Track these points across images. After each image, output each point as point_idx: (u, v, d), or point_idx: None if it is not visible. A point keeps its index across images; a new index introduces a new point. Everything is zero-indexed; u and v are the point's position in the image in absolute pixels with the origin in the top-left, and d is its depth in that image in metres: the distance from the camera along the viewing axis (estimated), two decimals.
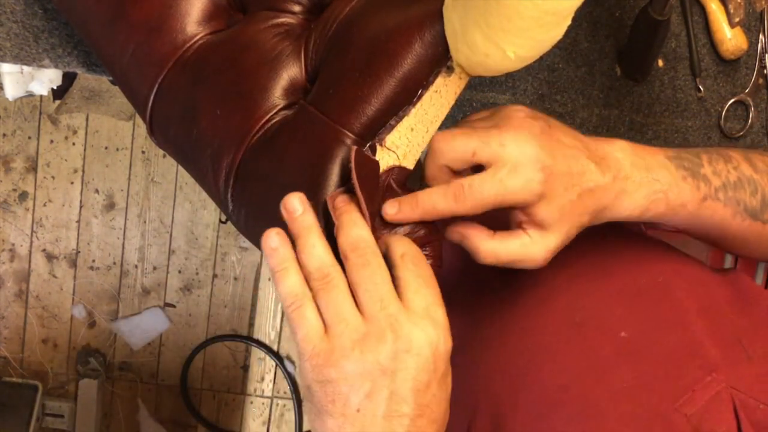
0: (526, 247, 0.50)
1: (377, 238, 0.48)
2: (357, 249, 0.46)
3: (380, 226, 0.51)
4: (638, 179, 0.52)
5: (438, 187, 0.50)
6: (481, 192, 0.48)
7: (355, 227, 0.47)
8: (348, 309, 0.45)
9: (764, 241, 0.58)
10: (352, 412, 0.43)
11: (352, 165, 0.48)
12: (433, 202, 0.50)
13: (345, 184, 0.51)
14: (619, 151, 0.52)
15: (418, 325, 0.44)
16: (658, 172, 0.53)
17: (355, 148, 0.49)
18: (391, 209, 0.51)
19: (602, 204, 0.51)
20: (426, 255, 0.53)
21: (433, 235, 0.52)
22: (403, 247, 0.48)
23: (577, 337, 0.54)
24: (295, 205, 0.48)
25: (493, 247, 0.50)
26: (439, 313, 0.46)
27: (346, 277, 0.46)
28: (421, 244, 0.52)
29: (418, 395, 0.44)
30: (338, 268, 0.46)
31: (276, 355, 1.99)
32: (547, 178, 0.48)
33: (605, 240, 0.62)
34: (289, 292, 0.46)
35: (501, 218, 0.52)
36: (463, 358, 0.56)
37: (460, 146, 0.49)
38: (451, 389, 0.47)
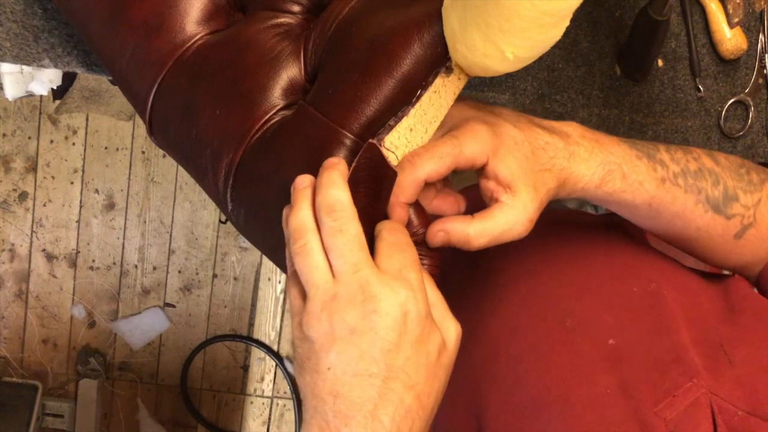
0: (507, 214, 0.51)
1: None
2: (333, 212, 0.46)
3: (368, 233, 0.50)
4: (589, 147, 0.54)
5: (399, 167, 0.52)
6: (438, 149, 0.50)
7: (333, 187, 0.46)
8: (319, 274, 0.45)
9: (729, 240, 0.59)
10: (324, 370, 0.44)
11: (359, 155, 0.49)
12: (399, 182, 0.50)
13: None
14: (568, 126, 0.55)
15: (388, 286, 0.44)
16: (610, 147, 0.54)
17: (371, 141, 0.50)
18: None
19: (558, 163, 0.53)
20: (424, 254, 0.53)
21: None
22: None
23: (567, 342, 0.55)
24: (300, 181, 0.49)
25: (479, 227, 0.51)
26: (413, 275, 0.46)
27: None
28: (419, 242, 0.52)
29: (389, 356, 0.44)
30: (316, 234, 0.46)
31: (276, 355, 1.99)
32: (493, 130, 0.51)
33: (601, 247, 0.63)
34: (287, 258, 0.48)
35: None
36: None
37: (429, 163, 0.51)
38: (440, 361, 0.46)
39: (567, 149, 0.53)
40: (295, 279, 0.47)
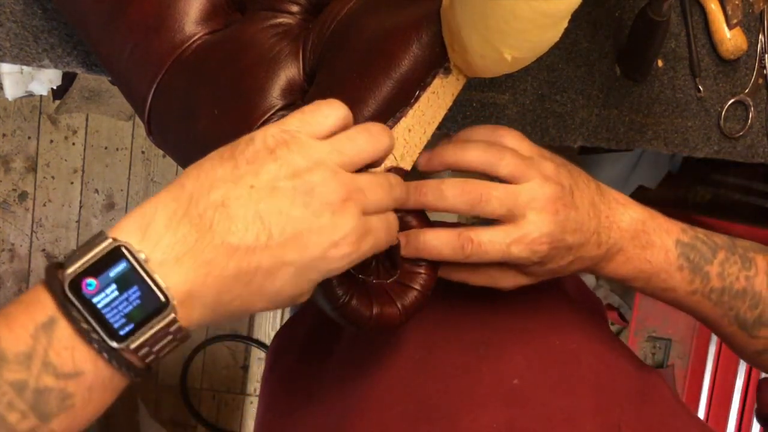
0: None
1: None
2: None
3: None
4: (630, 255, 0.54)
5: (447, 232, 0.51)
6: (487, 253, 0.50)
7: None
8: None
9: (749, 353, 0.59)
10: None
11: None
12: (439, 245, 0.51)
13: None
14: (629, 220, 0.55)
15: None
16: (655, 253, 0.54)
17: None
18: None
19: (586, 268, 0.55)
20: (420, 265, 0.53)
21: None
22: None
23: (473, 369, 0.56)
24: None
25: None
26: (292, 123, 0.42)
27: None
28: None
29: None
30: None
31: None
32: (550, 251, 0.51)
33: (539, 296, 0.64)
34: None
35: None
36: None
37: (488, 191, 0.51)
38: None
39: (605, 256, 0.54)
40: None
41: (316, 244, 0.39)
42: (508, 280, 0.54)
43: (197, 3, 0.58)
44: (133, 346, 0.37)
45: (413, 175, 0.54)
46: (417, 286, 0.53)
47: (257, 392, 2.02)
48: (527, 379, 0.55)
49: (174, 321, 0.37)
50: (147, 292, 0.36)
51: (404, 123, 0.52)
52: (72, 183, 1.93)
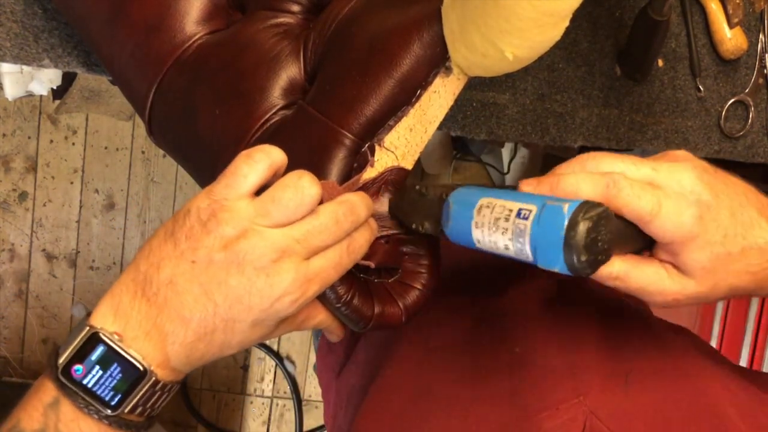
0: (660, 280, 0.43)
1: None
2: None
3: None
4: None
5: (587, 173, 0.43)
6: (630, 196, 0.41)
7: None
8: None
9: None
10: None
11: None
12: (578, 184, 0.42)
13: (343, 183, 0.51)
14: None
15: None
16: None
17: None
18: (527, 186, 0.45)
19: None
20: (423, 254, 0.53)
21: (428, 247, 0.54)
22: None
23: (474, 342, 0.57)
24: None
25: (624, 269, 0.43)
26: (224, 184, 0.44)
27: None
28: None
29: (153, 239, 0.45)
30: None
31: (276, 355, 1.99)
32: (702, 214, 0.42)
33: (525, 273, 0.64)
34: None
35: None
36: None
37: (609, 163, 0.43)
38: (227, 255, 0.43)
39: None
40: None
41: (258, 304, 0.43)
42: (669, 283, 0.44)
43: (198, 3, 0.58)
44: (126, 410, 0.43)
45: (413, 174, 0.54)
46: (419, 286, 0.53)
47: (257, 392, 2.02)
48: (528, 344, 0.55)
49: (156, 381, 0.43)
50: (126, 366, 0.43)
51: (405, 122, 0.52)
52: (72, 183, 1.93)
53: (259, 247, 0.43)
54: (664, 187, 0.42)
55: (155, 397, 0.44)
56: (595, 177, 0.42)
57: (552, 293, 0.63)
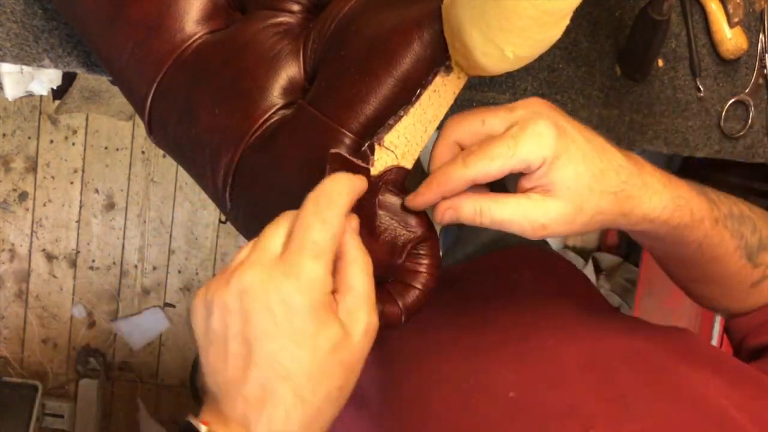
0: (522, 207, 0.46)
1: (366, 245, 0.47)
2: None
3: (366, 233, 0.50)
4: (662, 179, 0.50)
5: (451, 160, 0.47)
6: (491, 149, 0.45)
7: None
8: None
9: (745, 288, 0.58)
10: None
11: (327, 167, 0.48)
12: (445, 172, 0.47)
13: None
14: (638, 156, 0.51)
15: (264, 271, 0.42)
16: (677, 183, 0.51)
17: (333, 151, 0.49)
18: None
19: (629, 190, 0.47)
20: (423, 254, 0.53)
21: (429, 232, 0.53)
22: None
23: (465, 403, 0.55)
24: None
25: (489, 204, 0.46)
26: (307, 263, 0.42)
27: None
28: (417, 242, 0.52)
29: (257, 342, 0.42)
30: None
31: None
32: (560, 134, 0.45)
33: (507, 305, 0.63)
34: None
35: None
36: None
37: (469, 117, 0.48)
38: (335, 357, 0.42)
39: (641, 177, 0.48)
40: None
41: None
42: (532, 209, 0.46)
43: (198, 2, 0.58)
44: None
45: (414, 174, 0.54)
46: (419, 285, 0.53)
47: None
48: (521, 387, 0.55)
49: None
50: None
51: (406, 121, 0.52)
52: (72, 183, 1.93)
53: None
54: (521, 119, 0.46)
55: None
56: (454, 159, 0.47)
57: (527, 328, 0.62)
